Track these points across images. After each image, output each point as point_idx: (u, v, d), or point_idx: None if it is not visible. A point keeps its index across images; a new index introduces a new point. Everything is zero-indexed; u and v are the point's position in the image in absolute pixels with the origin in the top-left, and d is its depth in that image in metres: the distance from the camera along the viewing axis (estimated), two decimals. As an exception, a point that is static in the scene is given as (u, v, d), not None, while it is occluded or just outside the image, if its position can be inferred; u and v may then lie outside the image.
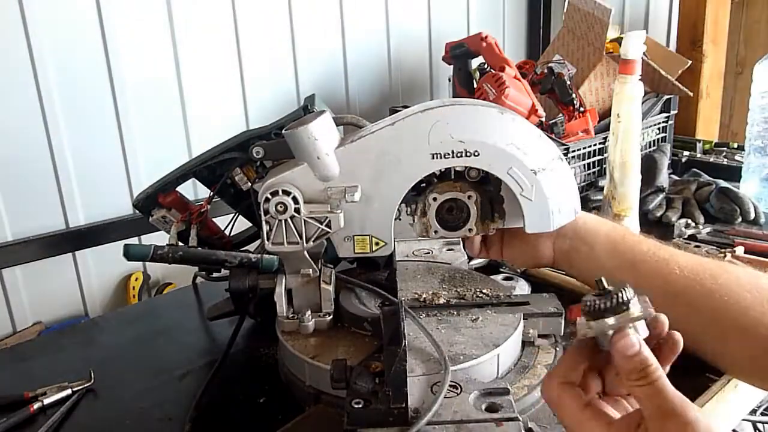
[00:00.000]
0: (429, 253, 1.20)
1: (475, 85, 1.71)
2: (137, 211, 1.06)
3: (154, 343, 1.08)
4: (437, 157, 0.83)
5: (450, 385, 0.74)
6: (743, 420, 1.36)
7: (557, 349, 0.92)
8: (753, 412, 1.47)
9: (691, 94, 1.86)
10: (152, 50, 1.67)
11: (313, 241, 0.87)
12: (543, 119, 1.54)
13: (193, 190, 1.56)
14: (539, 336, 0.92)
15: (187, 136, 1.76)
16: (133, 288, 1.71)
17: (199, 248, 0.98)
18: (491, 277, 1.13)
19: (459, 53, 1.78)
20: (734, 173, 1.69)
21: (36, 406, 0.91)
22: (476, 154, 0.83)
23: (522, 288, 1.15)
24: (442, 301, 0.96)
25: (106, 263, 1.68)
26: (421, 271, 1.08)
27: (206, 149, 1.02)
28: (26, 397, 0.92)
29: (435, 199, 0.88)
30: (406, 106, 1.97)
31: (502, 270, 1.24)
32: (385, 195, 0.85)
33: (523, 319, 0.91)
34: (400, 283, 1.01)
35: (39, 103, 1.51)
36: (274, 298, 0.92)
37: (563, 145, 1.56)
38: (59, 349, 1.13)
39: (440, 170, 0.87)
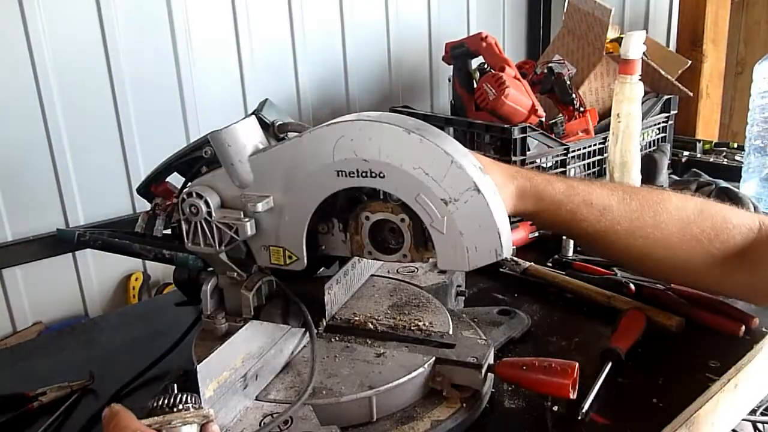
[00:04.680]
0: (414, 271, 1.12)
1: (475, 85, 1.71)
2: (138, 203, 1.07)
3: (154, 343, 1.07)
4: (342, 175, 0.79)
5: (285, 420, 0.73)
6: (743, 420, 1.35)
7: (464, 405, 0.82)
8: (753, 412, 1.47)
9: (691, 94, 1.86)
10: (152, 51, 1.67)
11: (225, 246, 0.86)
12: (543, 119, 1.54)
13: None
14: (453, 386, 0.83)
15: (187, 137, 1.76)
16: (133, 288, 1.71)
17: (116, 239, 1.01)
18: (489, 307, 1.10)
19: (459, 53, 1.78)
20: (734, 173, 1.69)
21: (36, 405, 0.91)
22: (381, 175, 0.77)
23: (511, 326, 1.04)
24: (369, 327, 0.92)
25: (106, 263, 1.68)
26: (383, 291, 1.04)
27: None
28: (26, 397, 0.92)
29: (367, 218, 0.84)
30: (406, 106, 1.97)
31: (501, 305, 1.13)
32: (295, 208, 0.83)
33: (438, 363, 0.83)
34: (352, 300, 1.00)
35: (39, 103, 1.52)
36: (200, 295, 0.93)
37: (563, 145, 1.57)
38: (59, 349, 1.13)
39: (361, 188, 0.82)
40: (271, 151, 0.83)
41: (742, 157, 1.73)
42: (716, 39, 2.18)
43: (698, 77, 2.15)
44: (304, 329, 0.89)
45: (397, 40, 2.16)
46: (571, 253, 1.33)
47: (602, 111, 1.74)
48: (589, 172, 1.68)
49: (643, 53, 1.35)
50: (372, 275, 1.10)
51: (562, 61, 1.75)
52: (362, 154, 0.77)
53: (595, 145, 1.64)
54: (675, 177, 1.79)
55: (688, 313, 1.05)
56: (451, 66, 1.83)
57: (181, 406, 0.63)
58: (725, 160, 1.93)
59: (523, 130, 1.49)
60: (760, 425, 1.61)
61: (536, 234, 1.44)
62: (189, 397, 0.64)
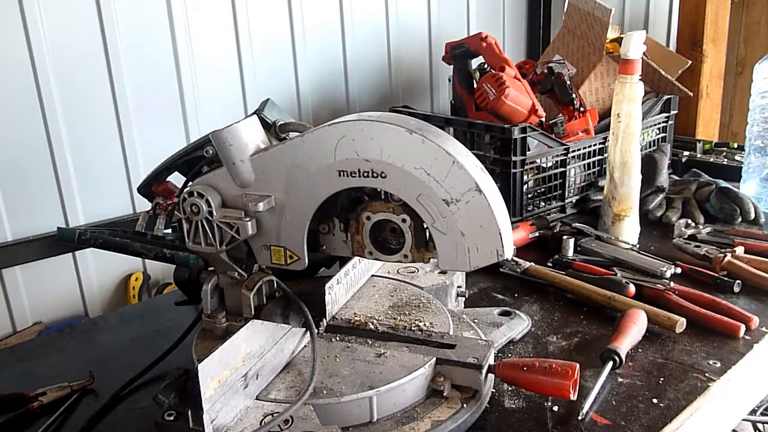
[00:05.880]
0: (414, 272, 1.13)
1: (475, 85, 1.71)
2: (139, 203, 1.08)
3: (154, 343, 1.08)
4: (344, 175, 0.79)
5: (285, 419, 0.73)
6: (743, 420, 1.36)
7: (465, 405, 0.82)
8: (753, 412, 1.48)
9: (691, 94, 1.86)
10: (152, 51, 1.67)
11: (226, 246, 0.87)
12: (543, 119, 1.54)
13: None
14: (454, 386, 0.83)
15: (187, 137, 1.76)
16: (133, 288, 1.71)
17: (117, 238, 1.03)
18: (489, 308, 1.10)
19: (459, 53, 1.78)
20: (734, 173, 1.69)
21: (36, 405, 0.91)
22: (383, 175, 0.77)
23: (511, 327, 1.04)
24: (370, 327, 0.93)
25: (106, 263, 1.68)
26: (384, 292, 1.04)
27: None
28: (26, 397, 0.92)
29: (369, 218, 0.84)
30: (406, 106, 1.97)
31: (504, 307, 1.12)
32: (296, 208, 0.83)
33: (438, 364, 0.83)
34: (352, 300, 1.00)
35: (39, 103, 1.51)
36: (201, 294, 0.93)
37: (563, 145, 1.57)
38: (59, 349, 1.13)
39: (362, 188, 0.82)
40: (273, 151, 0.83)
41: (742, 157, 1.74)
42: (716, 39, 2.18)
43: (698, 77, 2.16)
44: (304, 329, 0.89)
45: (397, 40, 2.16)
46: (571, 253, 1.33)
47: (602, 111, 1.74)
48: (589, 172, 1.68)
49: (643, 53, 1.34)
50: (372, 275, 1.10)
51: (562, 61, 1.75)
52: (364, 154, 0.78)
53: (595, 145, 1.65)
54: (675, 177, 1.79)
55: (688, 314, 1.05)
56: (451, 66, 1.84)
57: None
58: (725, 160, 1.93)
59: (523, 130, 1.49)
60: (760, 425, 1.61)
61: (536, 234, 1.44)
62: None
